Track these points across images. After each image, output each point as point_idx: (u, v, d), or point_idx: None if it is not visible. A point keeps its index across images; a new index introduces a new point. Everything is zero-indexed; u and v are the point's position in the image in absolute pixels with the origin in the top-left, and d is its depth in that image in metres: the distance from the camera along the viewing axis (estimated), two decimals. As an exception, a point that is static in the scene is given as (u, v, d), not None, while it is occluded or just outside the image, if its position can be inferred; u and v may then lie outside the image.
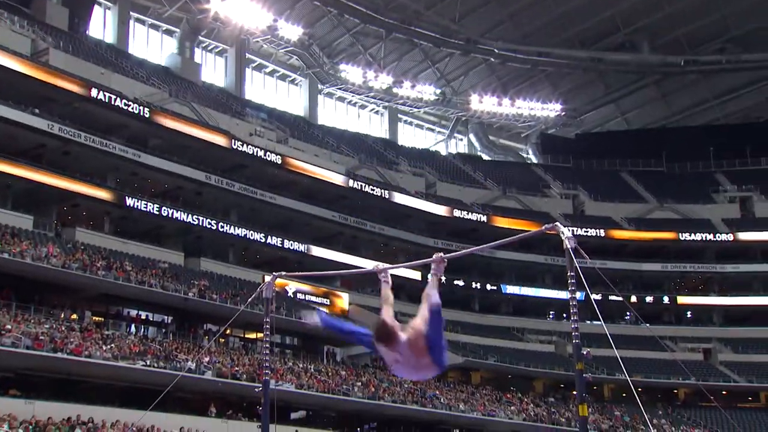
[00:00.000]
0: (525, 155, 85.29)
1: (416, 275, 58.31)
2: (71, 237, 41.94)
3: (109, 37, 59.76)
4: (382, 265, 8.67)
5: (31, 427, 26.77)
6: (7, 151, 40.01)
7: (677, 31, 68.63)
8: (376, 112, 79.02)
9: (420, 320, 6.94)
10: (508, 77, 76.60)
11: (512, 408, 51.31)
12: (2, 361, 31.23)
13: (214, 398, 38.25)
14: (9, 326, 32.03)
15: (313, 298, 51.12)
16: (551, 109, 76.73)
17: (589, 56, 71.97)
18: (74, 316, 37.92)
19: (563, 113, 77.97)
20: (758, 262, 65.38)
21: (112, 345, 35.29)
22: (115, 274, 38.55)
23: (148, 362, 35.10)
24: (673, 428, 54.08)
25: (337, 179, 56.53)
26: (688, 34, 69.04)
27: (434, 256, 7.98)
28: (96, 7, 58.70)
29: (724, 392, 58.01)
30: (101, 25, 59.97)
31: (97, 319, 39.92)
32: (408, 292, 59.90)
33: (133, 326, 42.30)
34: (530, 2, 66.08)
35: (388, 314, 7.26)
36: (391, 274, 8.26)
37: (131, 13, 61.43)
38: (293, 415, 41.52)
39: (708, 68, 73.03)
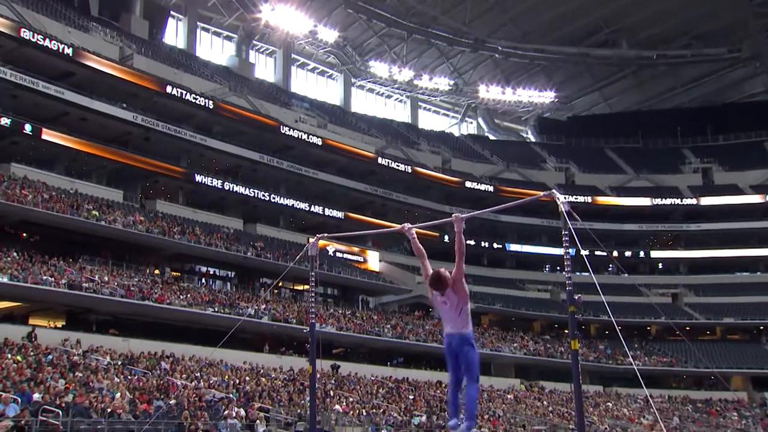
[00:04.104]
0: (525, 135, 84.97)
1: (434, 235, 58.71)
2: (153, 207, 42.55)
3: (181, 43, 60.13)
4: (408, 225, 8.48)
5: (127, 359, 27.53)
6: (101, 137, 40.68)
7: (650, 30, 67.91)
8: (400, 101, 78.96)
9: (454, 270, 7.19)
10: (510, 70, 76.16)
11: (515, 345, 51.89)
12: (103, 307, 32.11)
13: (269, 338, 38.91)
14: (107, 278, 32.92)
15: (349, 256, 51.61)
16: (546, 97, 76.29)
17: (577, 52, 71.41)
18: (157, 272, 38.70)
19: (556, 100, 77.51)
20: (717, 222, 65.10)
21: (188, 295, 36.02)
22: (187, 237, 39.21)
23: (216, 309, 35.75)
24: (646, 358, 54.52)
25: (369, 157, 56.82)
26: (660, 33, 68.30)
27: (453, 216, 7.80)
28: (170, 19, 59.11)
29: (687, 328, 58.43)
30: (174, 34, 60.33)
31: (174, 274, 40.51)
32: (428, 248, 60.40)
33: (203, 280, 43.04)
34: (529, 7, 65.52)
35: (430, 266, 7.50)
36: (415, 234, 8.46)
37: (198, 23, 61.70)
38: (334, 351, 42.11)
39: (676, 61, 72.41)
